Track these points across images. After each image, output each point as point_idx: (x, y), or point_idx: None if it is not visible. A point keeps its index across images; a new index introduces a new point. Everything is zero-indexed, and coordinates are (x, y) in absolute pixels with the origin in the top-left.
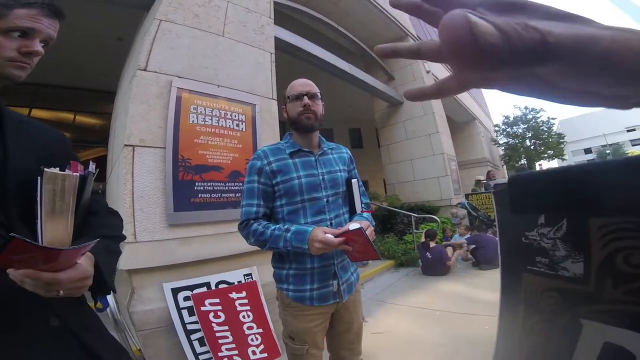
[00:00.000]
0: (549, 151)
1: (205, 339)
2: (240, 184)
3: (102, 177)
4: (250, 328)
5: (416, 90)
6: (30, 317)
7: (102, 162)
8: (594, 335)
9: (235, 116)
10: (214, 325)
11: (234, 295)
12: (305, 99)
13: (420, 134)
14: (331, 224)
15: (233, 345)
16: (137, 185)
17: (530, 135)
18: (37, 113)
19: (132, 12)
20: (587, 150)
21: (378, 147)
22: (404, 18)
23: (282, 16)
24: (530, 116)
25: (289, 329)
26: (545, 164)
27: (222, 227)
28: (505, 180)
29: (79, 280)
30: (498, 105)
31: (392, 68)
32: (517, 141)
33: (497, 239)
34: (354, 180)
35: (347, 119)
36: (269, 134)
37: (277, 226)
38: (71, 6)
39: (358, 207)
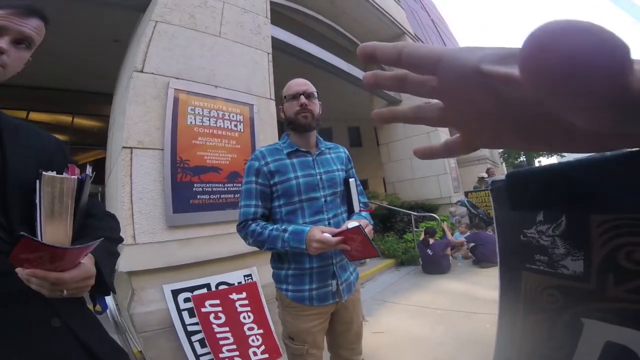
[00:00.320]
0: None
1: (206, 340)
2: (239, 185)
3: (100, 179)
4: (251, 329)
5: (425, 150)
6: (32, 317)
7: (101, 165)
8: (595, 334)
9: (233, 117)
10: (214, 326)
11: (234, 296)
12: (302, 99)
13: (419, 132)
14: (329, 223)
15: (234, 347)
16: (136, 187)
17: None
18: (35, 116)
19: (128, 14)
20: None
21: (377, 146)
22: (401, 16)
23: (279, 16)
24: None
25: (289, 329)
26: (544, 161)
27: (221, 228)
28: (503, 177)
29: (83, 279)
30: None
31: (390, 67)
32: None
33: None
34: (351, 180)
35: (346, 117)
36: (268, 134)
37: (275, 226)
38: (67, 9)
39: (356, 207)
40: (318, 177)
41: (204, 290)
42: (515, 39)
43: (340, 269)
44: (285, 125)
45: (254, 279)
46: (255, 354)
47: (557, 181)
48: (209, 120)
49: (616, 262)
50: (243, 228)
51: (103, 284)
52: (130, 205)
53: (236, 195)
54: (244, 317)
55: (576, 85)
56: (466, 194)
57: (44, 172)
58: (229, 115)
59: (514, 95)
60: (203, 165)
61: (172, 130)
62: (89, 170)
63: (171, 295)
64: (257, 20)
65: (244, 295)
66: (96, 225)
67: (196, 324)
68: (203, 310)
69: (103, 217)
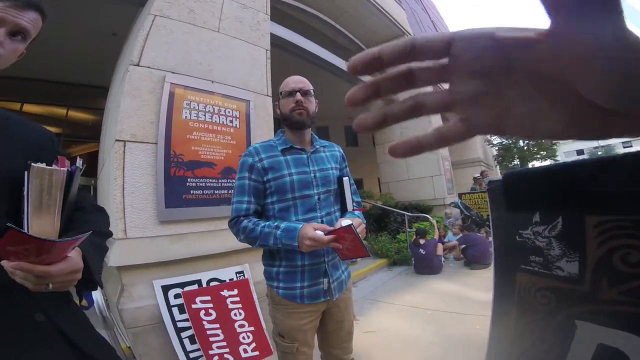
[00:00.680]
0: (542, 152)
1: (195, 337)
2: (233, 181)
3: (94, 172)
4: (241, 326)
5: (408, 144)
6: (14, 312)
7: (94, 158)
8: (587, 336)
9: (229, 112)
10: (204, 323)
11: (225, 292)
12: (298, 96)
13: (414, 132)
14: (322, 221)
15: (224, 344)
16: (128, 180)
17: None
18: (28, 108)
19: (127, 7)
20: (580, 152)
21: (373, 146)
22: (401, 17)
23: (279, 13)
24: None
25: (279, 326)
26: (538, 165)
27: (214, 224)
28: (500, 177)
29: (69, 273)
30: None
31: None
32: (510, 141)
33: (491, 237)
34: (345, 179)
35: (343, 116)
36: (264, 131)
37: (267, 223)
38: (65, 0)
39: (349, 205)
40: (312, 174)
41: (195, 287)
42: None
43: (332, 267)
44: (281, 121)
45: (246, 276)
46: (245, 351)
47: (554, 182)
48: (205, 115)
49: (611, 264)
50: (235, 224)
51: (90, 279)
52: (122, 199)
53: (230, 191)
54: (235, 314)
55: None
56: (460, 195)
57: (32, 164)
58: (225, 111)
59: (528, 57)
60: (197, 160)
61: (166, 124)
62: (79, 162)
63: (161, 291)
64: (257, 17)
65: (235, 292)
66: (85, 219)
67: (186, 320)
68: (193, 306)
69: (93, 211)
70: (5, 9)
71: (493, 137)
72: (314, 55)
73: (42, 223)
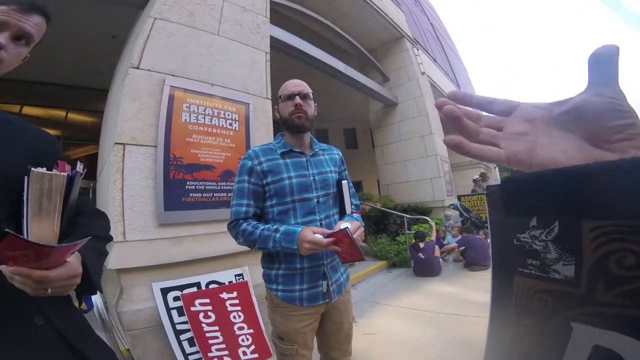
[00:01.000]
0: None
1: (195, 339)
2: (233, 184)
3: (93, 175)
4: (241, 328)
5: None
6: (13, 315)
7: (93, 161)
8: (583, 338)
9: (228, 115)
10: (204, 325)
11: (224, 295)
12: (297, 99)
13: (414, 135)
14: (321, 224)
15: (223, 346)
16: (127, 183)
17: None
18: (28, 110)
19: (127, 10)
20: None
21: (372, 148)
22: (400, 19)
23: (279, 15)
24: None
25: (279, 329)
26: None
27: (213, 226)
28: (499, 182)
29: (68, 278)
30: None
31: (387, 69)
32: None
33: (489, 240)
34: (344, 182)
35: (342, 119)
36: (264, 134)
37: (267, 226)
38: (65, 3)
39: (348, 208)
40: (311, 177)
41: (194, 289)
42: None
43: (331, 270)
44: (280, 125)
45: (245, 279)
46: (245, 353)
47: (551, 187)
48: (204, 118)
49: (607, 267)
50: (234, 227)
51: (90, 283)
52: (121, 202)
53: (229, 194)
54: (234, 317)
55: None
56: (459, 197)
57: (32, 169)
58: (224, 114)
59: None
60: (197, 163)
61: (166, 127)
62: (79, 167)
63: (160, 294)
64: (256, 20)
65: (234, 294)
66: (85, 223)
67: (185, 322)
68: (192, 309)
69: (93, 215)
70: (9, 12)
71: None
72: (313, 57)
73: (41, 228)
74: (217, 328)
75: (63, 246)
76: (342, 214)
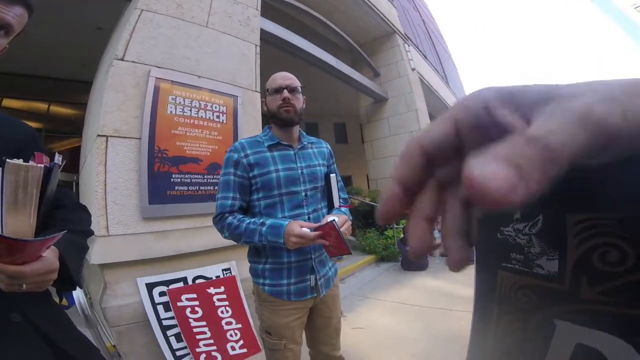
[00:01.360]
0: None
1: (182, 335)
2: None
3: (76, 168)
4: (229, 323)
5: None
6: None
7: (77, 154)
8: (566, 336)
9: (215, 107)
10: (191, 320)
11: (212, 290)
12: (285, 92)
13: (403, 130)
14: (309, 218)
15: (211, 341)
16: (110, 176)
17: None
18: (8, 103)
19: (113, 1)
20: None
21: (362, 143)
22: (393, 15)
23: (270, 8)
24: None
25: (266, 323)
26: None
27: (199, 220)
28: None
29: (44, 273)
30: None
31: (378, 64)
32: None
33: None
34: (332, 175)
35: (333, 113)
36: (252, 126)
37: (253, 220)
38: None
39: (336, 202)
40: (299, 171)
41: (181, 284)
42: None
43: (319, 264)
44: (268, 118)
45: (233, 273)
46: (233, 348)
47: None
48: (191, 110)
49: (590, 263)
50: (220, 220)
51: (69, 279)
52: (104, 195)
53: (216, 187)
54: (222, 312)
55: None
56: None
57: (7, 160)
58: (211, 106)
59: None
60: (182, 155)
61: (150, 119)
62: (58, 159)
63: (145, 289)
64: (247, 12)
65: (222, 289)
66: (64, 217)
67: (172, 318)
68: (179, 304)
69: (74, 209)
70: None
71: None
72: (304, 51)
73: (17, 221)
74: (204, 323)
75: (37, 240)
76: (330, 207)
